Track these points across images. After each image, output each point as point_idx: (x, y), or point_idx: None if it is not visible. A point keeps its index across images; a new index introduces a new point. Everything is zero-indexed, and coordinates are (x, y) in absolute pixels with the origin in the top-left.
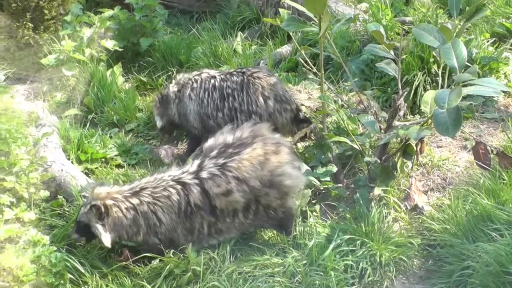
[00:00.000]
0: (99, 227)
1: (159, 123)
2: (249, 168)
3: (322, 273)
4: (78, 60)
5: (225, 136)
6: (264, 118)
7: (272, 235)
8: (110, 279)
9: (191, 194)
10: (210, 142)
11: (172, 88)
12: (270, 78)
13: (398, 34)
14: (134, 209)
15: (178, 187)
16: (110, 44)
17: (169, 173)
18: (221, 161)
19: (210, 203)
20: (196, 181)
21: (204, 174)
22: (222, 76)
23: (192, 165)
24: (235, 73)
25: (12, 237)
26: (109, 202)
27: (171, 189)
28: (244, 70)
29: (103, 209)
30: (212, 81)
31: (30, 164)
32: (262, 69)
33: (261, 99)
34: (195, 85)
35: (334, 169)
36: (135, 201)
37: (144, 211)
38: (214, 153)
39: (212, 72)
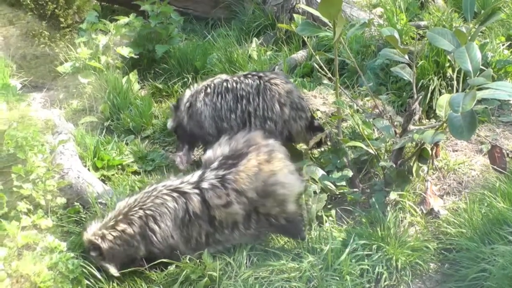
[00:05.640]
0: (103, 263)
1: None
2: (246, 180)
3: (338, 278)
4: (94, 67)
5: (222, 148)
6: (279, 125)
7: (288, 240)
8: (127, 285)
9: (191, 203)
10: (209, 154)
11: (188, 92)
12: (287, 85)
13: (413, 38)
14: (120, 236)
15: (175, 195)
16: (126, 51)
17: (163, 183)
18: (221, 172)
19: (209, 214)
20: (197, 191)
21: (205, 185)
22: (235, 78)
23: (193, 175)
24: (250, 76)
25: (30, 244)
26: (94, 238)
27: (166, 197)
28: (261, 74)
29: (97, 246)
30: (225, 84)
31: (46, 171)
32: (280, 75)
33: (277, 105)
34: (208, 90)
35: (350, 173)
36: (121, 227)
37: (135, 231)
38: (215, 164)
39: (224, 76)
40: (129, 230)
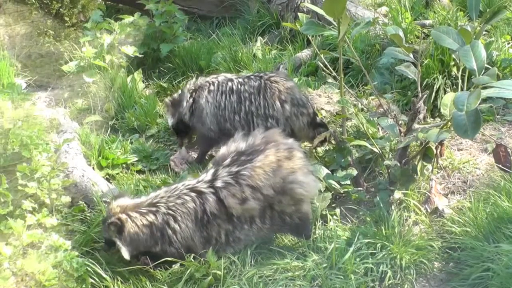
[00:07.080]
0: (118, 241)
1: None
2: (262, 176)
3: (342, 277)
4: (99, 66)
5: (237, 143)
6: (281, 122)
7: (293, 239)
8: (132, 283)
9: (207, 203)
10: (223, 150)
11: (188, 87)
12: (287, 82)
13: (418, 37)
14: (150, 226)
15: (193, 194)
16: (131, 50)
17: (184, 182)
18: (234, 169)
19: (226, 212)
20: (212, 189)
21: (218, 183)
22: (240, 80)
23: (207, 174)
24: (253, 77)
25: (34, 243)
26: (124, 217)
27: (185, 197)
28: (262, 74)
29: (120, 224)
30: (230, 84)
31: (51, 170)
32: (280, 74)
33: (277, 103)
34: (212, 87)
35: (354, 172)
36: (151, 217)
37: (159, 225)
38: (227, 161)
39: (229, 75)
40: (157, 223)
